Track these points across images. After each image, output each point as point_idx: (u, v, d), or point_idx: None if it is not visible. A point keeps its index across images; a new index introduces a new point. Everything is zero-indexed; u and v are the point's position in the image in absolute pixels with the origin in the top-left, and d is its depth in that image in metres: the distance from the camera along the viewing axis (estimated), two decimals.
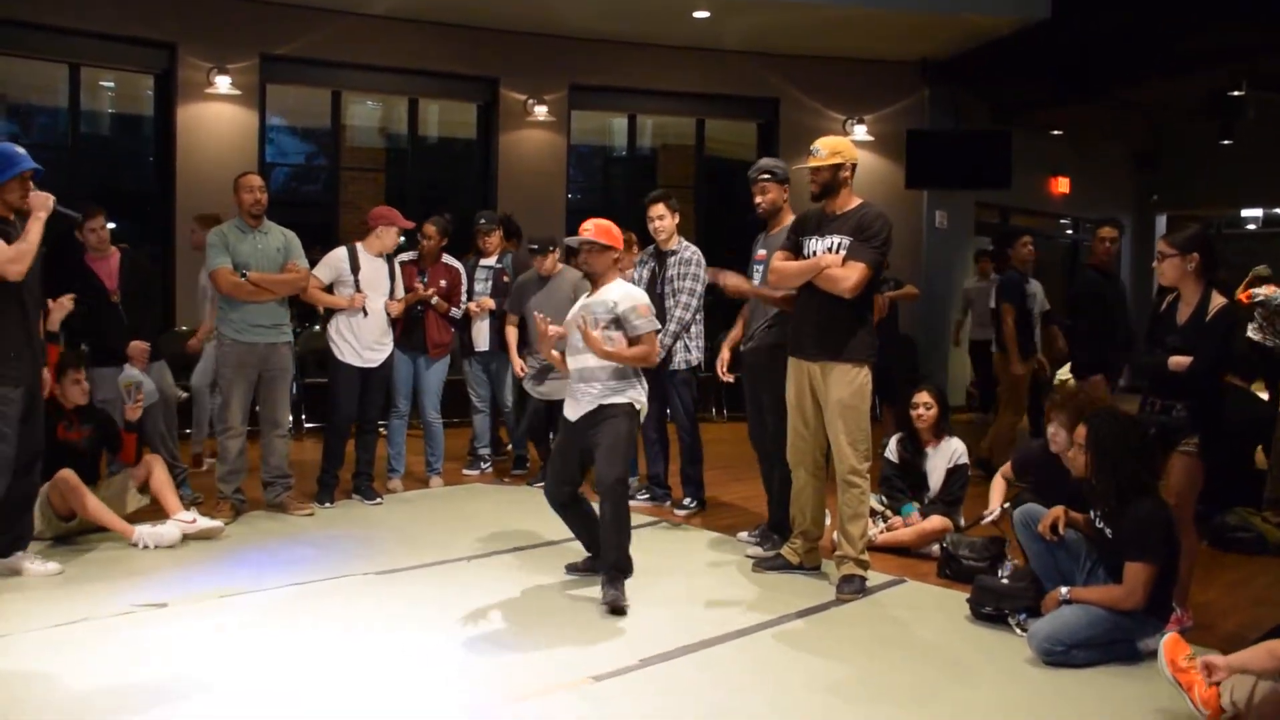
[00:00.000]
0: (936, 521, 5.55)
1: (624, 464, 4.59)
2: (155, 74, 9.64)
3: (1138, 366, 4.64)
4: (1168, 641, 3.49)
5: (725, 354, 5.83)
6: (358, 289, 6.30)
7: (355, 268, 6.32)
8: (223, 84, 9.36)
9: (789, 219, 5.40)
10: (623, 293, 4.73)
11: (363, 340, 6.32)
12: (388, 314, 6.43)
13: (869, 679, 3.87)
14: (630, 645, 4.07)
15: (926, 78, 11.48)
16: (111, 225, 6.45)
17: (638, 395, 4.72)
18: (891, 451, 5.93)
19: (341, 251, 6.37)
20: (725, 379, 5.84)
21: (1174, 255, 4.34)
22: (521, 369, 6.84)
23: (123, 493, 5.59)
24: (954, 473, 5.73)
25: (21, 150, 4.70)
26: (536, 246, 6.99)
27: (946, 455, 5.77)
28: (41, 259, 4.80)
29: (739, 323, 5.80)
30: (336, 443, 6.42)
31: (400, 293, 6.54)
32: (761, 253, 5.45)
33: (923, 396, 5.80)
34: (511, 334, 6.97)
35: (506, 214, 8.24)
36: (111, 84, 10.29)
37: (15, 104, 9.86)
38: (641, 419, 4.78)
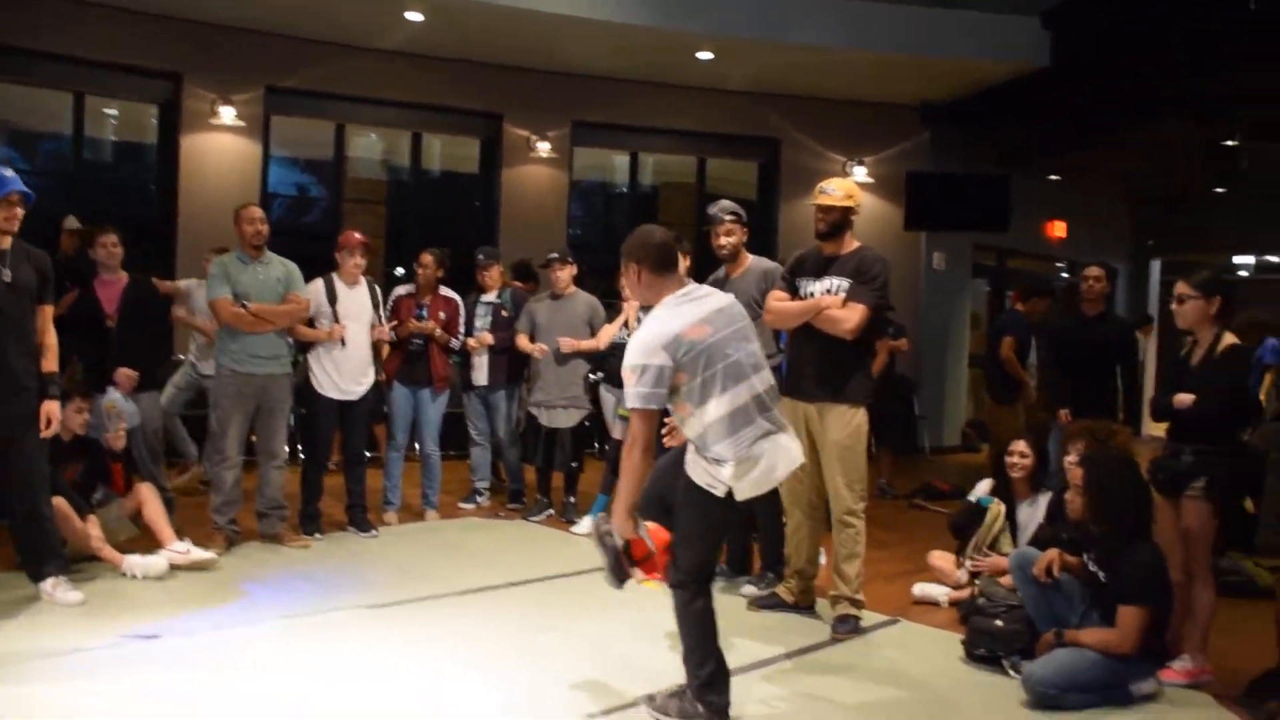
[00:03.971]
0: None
1: (686, 564, 3.60)
2: (160, 103, 9.72)
3: (1152, 410, 4.68)
4: None
5: None
6: (336, 320, 6.30)
7: (333, 299, 6.32)
8: (227, 115, 9.45)
9: (747, 261, 5.54)
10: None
11: (344, 373, 6.30)
12: (372, 344, 6.42)
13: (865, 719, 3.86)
14: (626, 682, 4.05)
15: (926, 120, 11.59)
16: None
17: (714, 473, 3.47)
18: (978, 495, 5.59)
19: (318, 283, 6.34)
20: None
21: (1197, 298, 4.38)
22: (542, 350, 6.90)
23: (113, 522, 5.58)
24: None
25: (9, 173, 4.68)
26: (556, 255, 7.05)
27: (1041, 507, 5.25)
28: (21, 289, 4.78)
29: None
30: (315, 476, 6.39)
31: (383, 319, 6.56)
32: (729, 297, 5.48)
33: (1019, 445, 5.39)
34: (524, 340, 7.01)
35: (524, 259, 8.26)
36: (115, 112, 10.37)
37: (19, 130, 9.92)
38: (728, 500, 3.51)
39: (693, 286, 3.68)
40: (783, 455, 3.55)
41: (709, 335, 3.48)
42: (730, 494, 3.48)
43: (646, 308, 3.81)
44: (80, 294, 6.20)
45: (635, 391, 3.43)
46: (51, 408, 4.82)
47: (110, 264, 6.30)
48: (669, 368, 3.42)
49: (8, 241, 4.72)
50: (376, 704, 3.78)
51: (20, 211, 4.69)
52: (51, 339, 4.93)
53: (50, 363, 4.90)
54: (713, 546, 3.67)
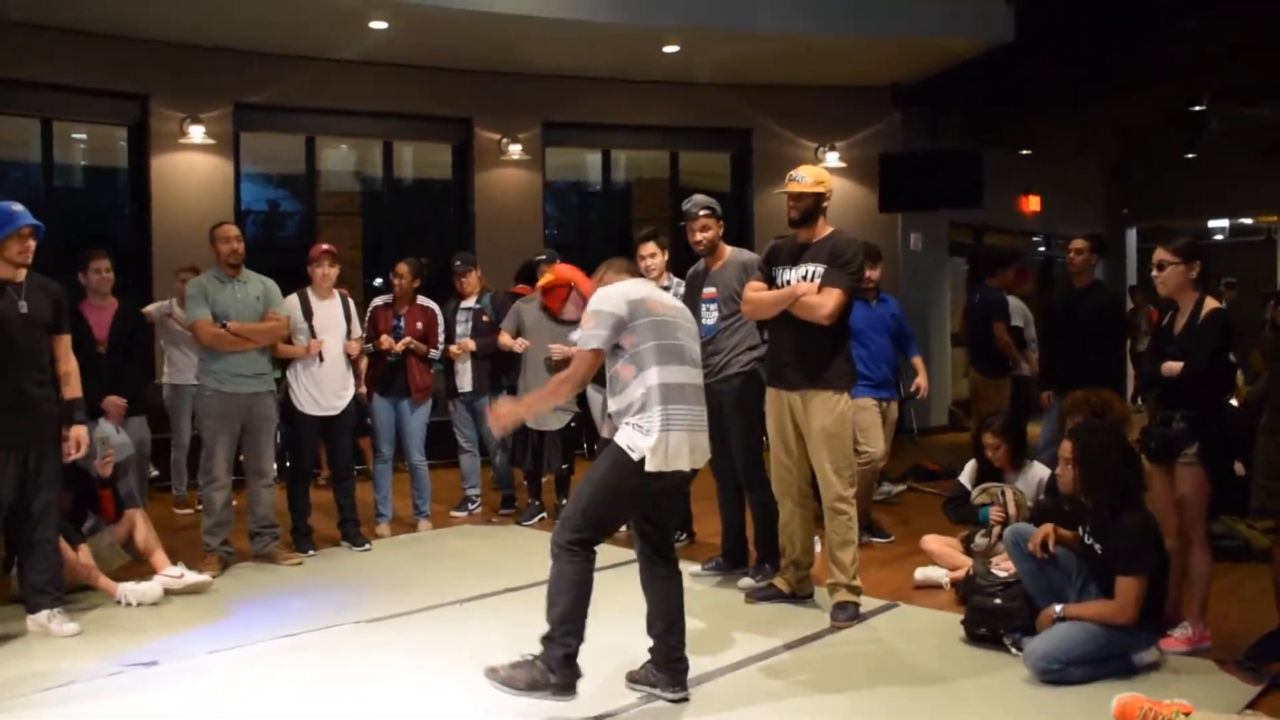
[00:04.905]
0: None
1: (577, 517, 3.72)
2: (128, 125, 9.64)
3: (1141, 379, 4.69)
4: (1119, 710, 3.55)
5: None
6: (313, 335, 6.25)
7: (308, 313, 6.27)
8: (196, 134, 9.38)
9: (726, 253, 5.57)
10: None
11: (324, 388, 6.26)
12: (347, 356, 6.37)
13: (866, 707, 3.87)
14: (620, 684, 4.02)
15: (896, 102, 11.59)
16: None
17: (636, 438, 3.66)
18: (965, 476, 5.72)
19: (293, 299, 6.29)
20: None
21: (1178, 263, 4.38)
22: (523, 344, 6.86)
23: (105, 550, 5.53)
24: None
25: (19, 207, 4.72)
26: (544, 257, 7.02)
27: (1032, 482, 5.46)
28: (36, 321, 4.77)
29: None
30: (303, 492, 6.36)
31: (358, 331, 6.50)
32: (711, 290, 5.50)
33: (988, 439, 5.56)
34: (505, 336, 6.96)
35: (529, 260, 8.15)
36: (84, 136, 10.29)
37: None
38: (642, 468, 3.64)
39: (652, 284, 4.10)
40: (696, 446, 3.78)
41: (663, 313, 3.80)
42: (642, 462, 3.63)
43: None
44: (71, 319, 6.18)
45: (587, 333, 3.73)
46: (79, 431, 4.91)
47: (101, 289, 6.29)
48: (623, 320, 3.71)
49: (22, 274, 4.76)
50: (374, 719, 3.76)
51: (32, 244, 4.75)
52: (71, 366, 4.99)
53: (74, 389, 4.97)
54: (613, 509, 3.77)
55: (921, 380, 6.77)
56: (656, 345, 3.71)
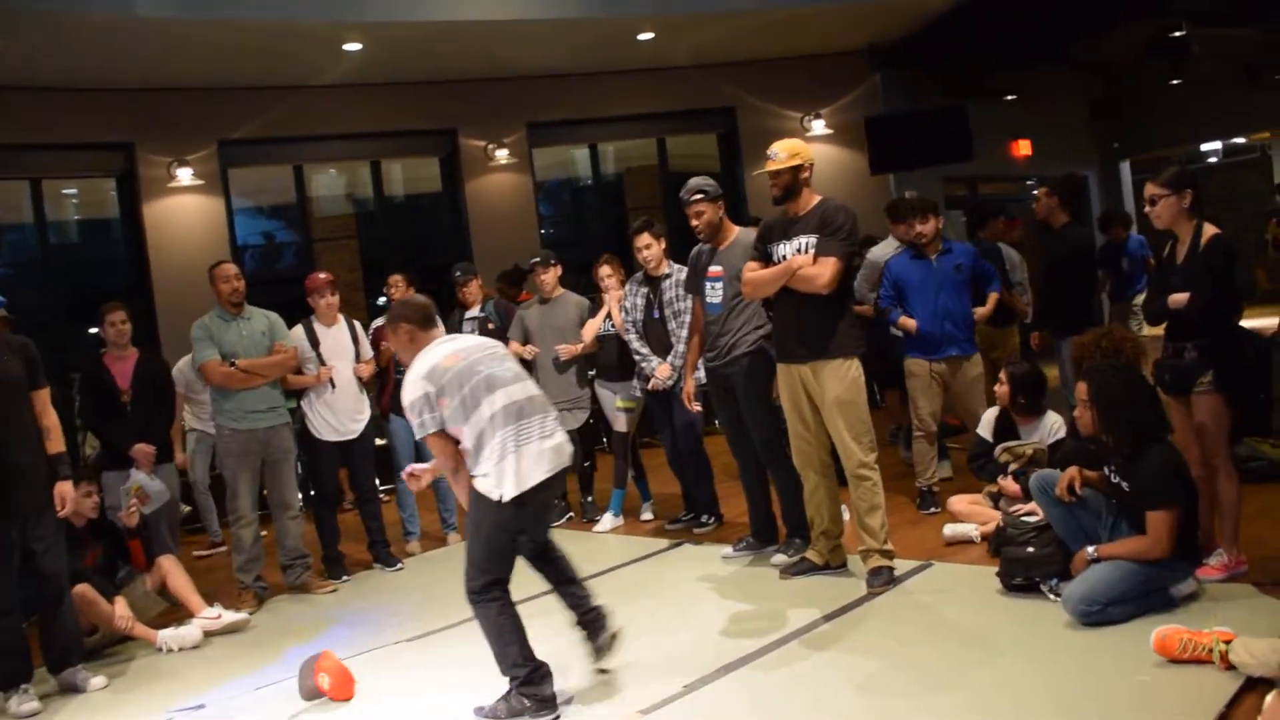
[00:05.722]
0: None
1: (472, 566, 3.85)
2: (116, 176, 9.68)
3: (1146, 314, 4.68)
4: (1158, 643, 3.56)
5: (690, 385, 5.88)
6: (322, 363, 6.28)
7: (315, 342, 6.29)
8: (184, 176, 9.43)
9: (733, 233, 5.53)
10: None
11: (338, 413, 6.28)
12: (359, 379, 6.40)
13: (912, 668, 3.87)
14: (673, 673, 4.05)
15: (875, 64, 11.55)
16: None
17: (488, 484, 3.78)
18: (985, 427, 5.69)
19: (298, 329, 6.31)
20: (694, 409, 5.96)
21: (1168, 195, 4.33)
22: (532, 351, 6.81)
23: (141, 599, 5.56)
24: (1053, 449, 5.36)
25: None
26: (539, 259, 6.99)
27: (1045, 430, 5.45)
28: (10, 385, 4.73)
29: (693, 349, 5.83)
30: (328, 518, 6.40)
31: (367, 354, 6.52)
32: (717, 269, 5.48)
33: (1000, 376, 5.62)
34: (516, 348, 6.89)
35: (516, 265, 8.23)
36: (74, 191, 10.33)
37: None
38: (501, 505, 3.76)
39: (447, 336, 4.21)
40: (552, 451, 3.87)
41: (461, 361, 3.89)
42: (502, 499, 3.75)
43: None
44: (94, 371, 6.27)
45: (416, 423, 3.86)
46: (64, 487, 4.82)
47: (120, 341, 6.30)
48: (433, 393, 3.82)
49: None
50: None
51: None
52: (52, 420, 4.91)
53: (56, 443, 4.88)
54: (501, 545, 3.84)
55: (982, 310, 6.46)
56: (463, 398, 3.81)
